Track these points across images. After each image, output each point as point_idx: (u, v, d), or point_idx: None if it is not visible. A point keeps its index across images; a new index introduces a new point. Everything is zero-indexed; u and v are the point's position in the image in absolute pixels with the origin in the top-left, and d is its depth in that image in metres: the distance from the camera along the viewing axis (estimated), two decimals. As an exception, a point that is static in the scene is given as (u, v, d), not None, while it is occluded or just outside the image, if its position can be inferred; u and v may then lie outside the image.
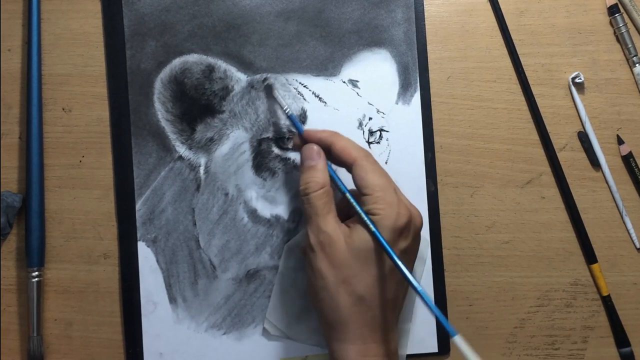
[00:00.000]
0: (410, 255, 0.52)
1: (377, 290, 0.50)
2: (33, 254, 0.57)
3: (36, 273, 0.57)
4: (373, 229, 0.49)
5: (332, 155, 0.53)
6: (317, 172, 0.52)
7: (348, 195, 0.51)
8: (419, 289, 0.47)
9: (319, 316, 0.52)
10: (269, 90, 0.59)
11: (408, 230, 0.50)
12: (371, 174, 0.51)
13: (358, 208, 0.50)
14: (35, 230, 0.57)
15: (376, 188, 0.50)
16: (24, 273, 0.58)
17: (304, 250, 0.53)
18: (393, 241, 0.49)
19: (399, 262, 0.48)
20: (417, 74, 0.60)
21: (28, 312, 0.57)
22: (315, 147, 0.54)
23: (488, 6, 0.62)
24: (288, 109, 0.56)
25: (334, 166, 0.54)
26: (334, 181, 0.53)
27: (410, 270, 0.51)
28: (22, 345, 0.58)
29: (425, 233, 0.59)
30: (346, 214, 0.53)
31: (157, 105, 0.59)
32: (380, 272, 0.49)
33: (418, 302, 0.58)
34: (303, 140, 0.55)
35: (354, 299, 0.49)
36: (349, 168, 0.52)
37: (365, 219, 0.49)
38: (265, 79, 0.59)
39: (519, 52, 0.61)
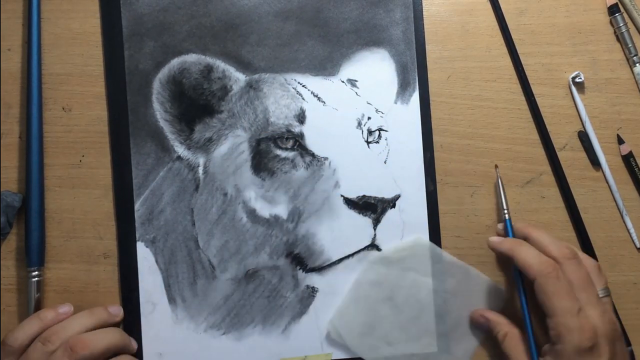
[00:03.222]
0: None
1: None
2: (33, 254, 0.57)
3: (36, 273, 0.57)
4: None
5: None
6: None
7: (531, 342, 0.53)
8: None
9: None
10: None
11: (597, 350, 0.49)
12: (550, 297, 0.50)
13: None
14: (35, 230, 0.57)
15: (555, 313, 0.50)
16: (23, 273, 0.58)
17: None
18: None
19: None
20: (415, 73, 0.60)
21: (28, 311, 0.57)
22: (503, 321, 0.57)
23: (488, 6, 0.62)
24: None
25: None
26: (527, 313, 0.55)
27: None
28: (23, 345, 0.58)
29: (424, 233, 0.59)
30: None
31: (156, 106, 0.59)
32: None
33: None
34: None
35: None
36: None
37: None
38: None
39: (519, 52, 0.61)
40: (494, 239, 0.56)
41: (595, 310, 0.50)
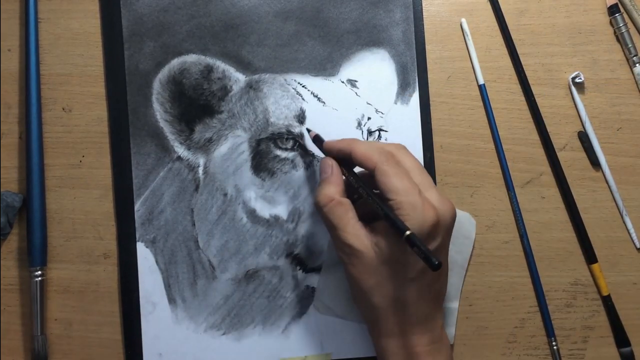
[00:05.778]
0: (441, 253, 0.51)
1: (412, 288, 0.50)
2: (35, 254, 0.57)
3: (39, 272, 0.57)
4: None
5: (355, 163, 0.52)
6: (328, 185, 0.52)
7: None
8: None
9: (361, 314, 0.54)
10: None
11: (436, 230, 0.49)
12: (392, 178, 0.49)
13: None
14: (37, 230, 0.57)
15: (399, 192, 0.49)
16: (25, 273, 0.58)
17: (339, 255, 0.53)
18: None
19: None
20: (415, 73, 0.60)
21: (31, 311, 0.57)
22: (329, 160, 0.54)
23: (488, 6, 0.62)
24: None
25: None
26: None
27: (445, 264, 0.52)
28: (25, 345, 0.58)
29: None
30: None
31: (156, 106, 0.59)
32: (412, 274, 0.49)
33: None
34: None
35: (388, 300, 0.50)
36: (372, 174, 0.51)
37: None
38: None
39: (519, 52, 0.61)
40: (329, 141, 0.55)
41: (434, 192, 0.51)
